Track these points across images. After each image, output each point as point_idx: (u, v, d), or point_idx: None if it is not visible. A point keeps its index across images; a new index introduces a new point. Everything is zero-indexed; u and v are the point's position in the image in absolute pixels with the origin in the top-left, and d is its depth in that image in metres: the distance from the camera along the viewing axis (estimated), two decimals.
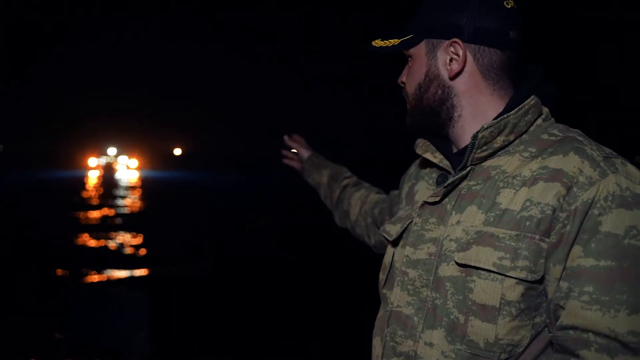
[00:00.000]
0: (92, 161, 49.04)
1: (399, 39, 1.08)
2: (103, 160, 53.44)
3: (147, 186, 24.95)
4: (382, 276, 1.14)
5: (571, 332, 0.86)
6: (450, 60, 1.02)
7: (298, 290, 6.03)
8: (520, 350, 0.91)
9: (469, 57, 1.01)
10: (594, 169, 0.89)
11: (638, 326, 0.82)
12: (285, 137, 1.79)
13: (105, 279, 6.63)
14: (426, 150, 1.11)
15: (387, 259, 1.14)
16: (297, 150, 1.77)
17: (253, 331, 4.69)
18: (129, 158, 53.65)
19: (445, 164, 1.07)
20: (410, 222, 1.09)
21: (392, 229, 1.14)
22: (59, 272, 6.74)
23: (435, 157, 1.08)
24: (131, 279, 6.72)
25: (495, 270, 0.90)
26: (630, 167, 0.91)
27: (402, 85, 1.14)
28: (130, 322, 2.13)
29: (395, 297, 1.05)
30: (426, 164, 1.18)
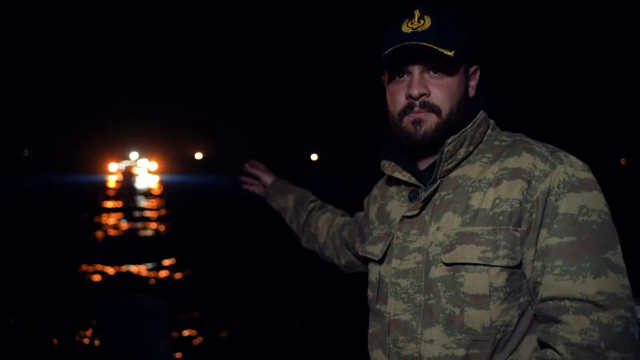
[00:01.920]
0: (112, 166, 50.08)
1: (438, 46, 1.08)
2: (123, 165, 54.42)
3: (167, 192, 25.28)
4: (371, 293, 1.24)
5: (550, 302, 0.99)
6: (475, 85, 1.19)
7: (319, 297, 6.02)
8: (512, 328, 1.05)
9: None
10: (545, 162, 1.05)
11: (603, 286, 0.96)
12: (246, 165, 1.86)
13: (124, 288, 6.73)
14: (394, 170, 1.22)
15: (373, 277, 1.24)
16: (259, 175, 1.84)
17: (276, 336, 4.71)
18: (149, 161, 54.59)
19: (414, 180, 1.19)
20: (392, 239, 1.19)
21: (375, 249, 1.24)
22: (81, 272, 6.86)
23: (404, 176, 1.20)
24: (152, 286, 6.81)
25: (480, 262, 1.04)
26: (572, 158, 1.07)
27: (421, 96, 1.12)
28: (152, 329, 2.14)
29: (392, 307, 1.14)
30: (392, 183, 1.30)
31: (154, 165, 52.85)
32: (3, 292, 5.82)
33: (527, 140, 1.13)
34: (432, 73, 1.12)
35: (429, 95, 1.12)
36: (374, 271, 1.24)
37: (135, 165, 54.49)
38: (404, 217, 1.16)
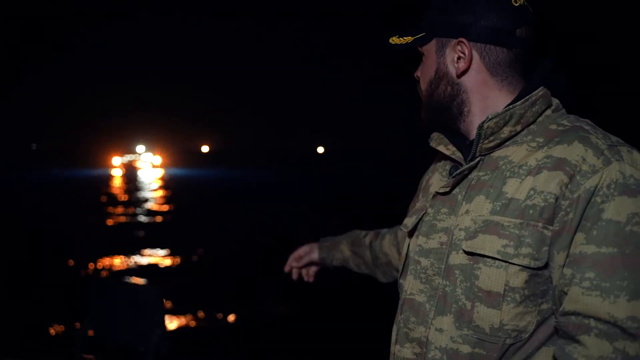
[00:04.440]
0: (116, 160, 50.39)
1: (412, 36, 1.17)
2: (126, 159, 54.74)
3: (170, 186, 25.46)
4: (400, 266, 1.23)
5: (573, 317, 0.91)
6: (458, 58, 1.10)
7: (317, 287, 6.12)
8: (527, 336, 0.97)
9: (475, 56, 1.09)
10: (598, 157, 0.94)
11: (638, 312, 0.87)
12: (289, 269, 1.79)
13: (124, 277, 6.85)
14: (439, 143, 1.18)
15: (403, 250, 1.23)
16: (306, 260, 1.77)
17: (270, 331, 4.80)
18: (154, 155, 54.84)
19: (458, 155, 1.14)
20: (424, 213, 1.16)
21: (408, 222, 1.22)
22: (73, 264, 7.00)
23: (448, 150, 1.16)
24: (150, 274, 6.93)
25: (499, 257, 0.97)
26: (637, 155, 0.96)
27: (417, 79, 1.23)
28: (147, 318, 2.23)
29: (409, 285, 1.13)
30: (441, 157, 1.25)
31: (158, 159, 53.09)
32: (2, 283, 5.97)
33: (587, 128, 1.01)
34: None
35: (418, 81, 1.22)
36: (405, 244, 1.23)
37: (139, 159, 54.75)
38: (437, 193, 1.13)
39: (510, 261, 0.96)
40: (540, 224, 0.96)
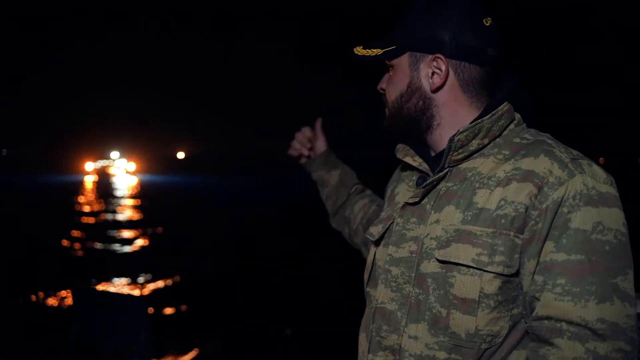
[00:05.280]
0: (89, 166, 49.68)
1: (381, 48, 1.18)
2: (99, 165, 53.96)
3: (144, 193, 25.18)
4: (365, 275, 1.25)
5: (546, 322, 0.96)
6: (433, 73, 1.13)
7: (296, 292, 6.17)
8: (500, 340, 1.01)
9: (451, 72, 1.12)
10: (563, 169, 1.00)
11: (606, 314, 0.93)
12: (302, 131, 1.77)
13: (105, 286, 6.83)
14: (406, 154, 1.22)
15: (369, 259, 1.25)
16: (313, 142, 1.77)
17: (255, 334, 4.85)
18: (128, 161, 54.20)
19: (424, 166, 1.18)
20: (392, 223, 1.19)
21: (374, 230, 1.24)
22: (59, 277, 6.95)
23: (415, 161, 1.19)
24: (131, 283, 6.91)
25: (474, 265, 1.00)
26: (596, 168, 1.02)
27: (382, 91, 1.24)
28: (131, 325, 2.30)
29: (380, 294, 1.15)
30: (406, 167, 1.29)
31: (132, 165, 52.46)
32: None
33: (550, 142, 1.07)
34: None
35: (385, 91, 1.23)
36: (371, 252, 1.25)
37: (113, 165, 53.99)
38: (406, 203, 1.16)
39: (484, 269, 1.00)
40: (512, 233, 1.00)
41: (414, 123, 1.18)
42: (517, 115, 1.15)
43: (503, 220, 1.01)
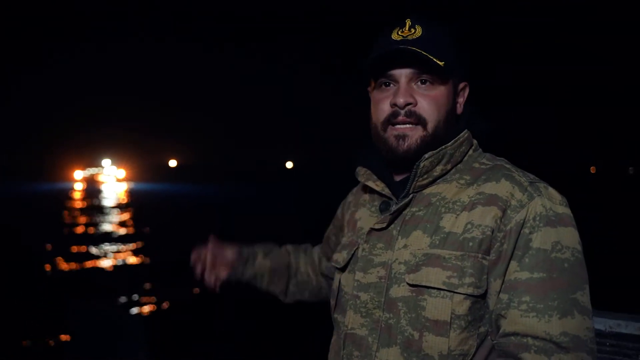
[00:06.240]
0: (78, 174, 49.44)
1: (431, 55, 1.08)
2: (89, 172, 53.70)
3: (133, 202, 25.06)
4: (332, 302, 1.25)
5: (512, 338, 1.00)
6: (462, 100, 1.19)
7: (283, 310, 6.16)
8: (469, 358, 1.04)
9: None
10: (523, 193, 1.05)
11: (568, 327, 0.97)
12: (197, 254, 1.51)
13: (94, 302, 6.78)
14: (368, 178, 1.22)
15: (334, 285, 1.25)
16: (220, 254, 1.51)
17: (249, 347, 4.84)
18: (118, 168, 53.98)
19: (387, 192, 1.18)
20: (357, 248, 1.20)
21: (339, 257, 1.25)
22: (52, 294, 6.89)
23: (377, 186, 1.19)
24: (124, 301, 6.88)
25: (445, 288, 1.03)
26: (552, 190, 1.07)
27: (407, 103, 1.12)
28: (130, 343, 2.29)
29: (349, 320, 1.15)
30: (365, 192, 1.30)
31: (122, 172, 52.27)
32: None
33: (507, 166, 1.12)
34: (419, 83, 1.11)
35: (415, 105, 1.11)
36: (335, 279, 1.25)
37: (102, 173, 53.74)
38: (372, 229, 1.16)
39: (455, 291, 1.02)
40: (479, 255, 1.03)
41: (438, 146, 1.13)
42: (474, 142, 1.19)
43: (471, 243, 1.04)
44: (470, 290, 1.03)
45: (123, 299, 6.97)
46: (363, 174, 1.23)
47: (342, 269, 1.22)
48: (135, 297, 7.07)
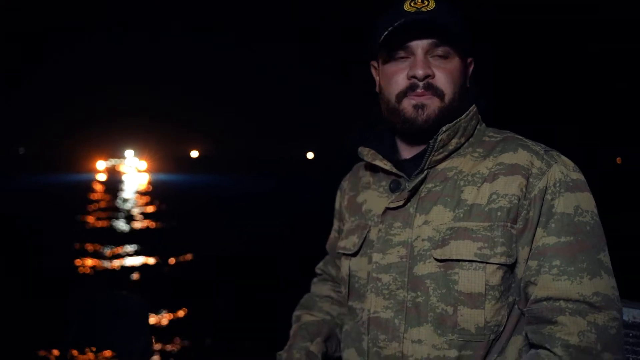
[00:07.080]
0: (100, 164, 50.18)
1: (447, 28, 1.09)
2: (110, 163, 54.43)
3: (155, 193, 25.36)
4: (343, 290, 1.23)
5: (545, 303, 1.02)
6: (470, 74, 1.22)
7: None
8: (502, 329, 1.06)
9: None
10: (541, 161, 1.08)
11: (599, 287, 1.00)
12: None
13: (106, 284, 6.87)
14: (374, 158, 1.19)
15: (344, 272, 1.22)
16: None
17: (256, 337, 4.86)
18: (139, 160, 54.65)
19: (396, 170, 1.17)
20: (368, 231, 1.18)
21: (347, 243, 1.22)
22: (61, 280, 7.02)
23: (385, 164, 1.18)
24: (134, 282, 6.96)
25: (477, 259, 1.04)
26: (564, 157, 1.11)
27: (427, 75, 1.11)
28: (132, 327, 2.29)
29: (371, 304, 1.13)
30: (367, 173, 1.28)
31: (143, 163, 52.88)
32: None
33: (518, 137, 1.15)
34: (436, 56, 1.11)
35: (433, 77, 1.11)
36: (343, 266, 1.23)
37: (123, 164, 54.44)
38: (388, 208, 1.15)
39: (488, 261, 1.04)
40: (508, 224, 1.05)
41: (453, 118, 1.13)
42: (479, 116, 1.21)
43: (499, 213, 1.05)
44: (503, 260, 1.04)
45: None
46: (368, 154, 1.21)
47: (354, 254, 1.20)
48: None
